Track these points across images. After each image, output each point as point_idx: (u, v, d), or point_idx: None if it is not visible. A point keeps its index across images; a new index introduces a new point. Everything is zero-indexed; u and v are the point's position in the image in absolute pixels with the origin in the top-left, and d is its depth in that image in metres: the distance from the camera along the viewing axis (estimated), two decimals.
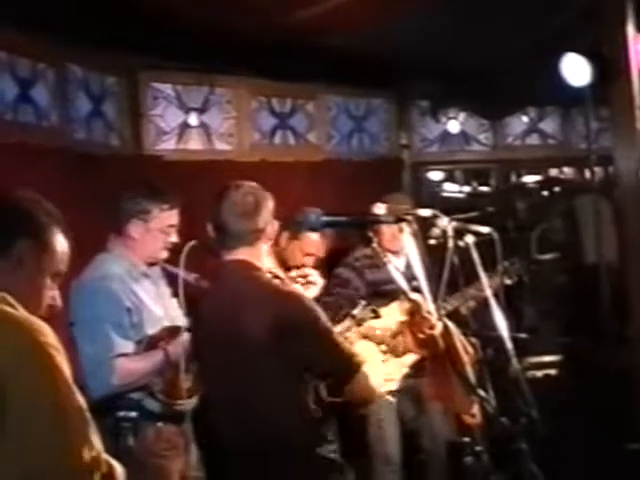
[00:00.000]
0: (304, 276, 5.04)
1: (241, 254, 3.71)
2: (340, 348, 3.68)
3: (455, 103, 8.53)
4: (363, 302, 5.22)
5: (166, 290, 4.60)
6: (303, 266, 5.55)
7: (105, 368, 4.19)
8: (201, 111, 7.09)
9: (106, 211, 5.74)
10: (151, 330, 4.34)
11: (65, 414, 2.30)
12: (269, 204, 3.76)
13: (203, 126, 7.11)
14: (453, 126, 8.65)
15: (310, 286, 4.99)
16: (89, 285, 4.37)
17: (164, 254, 4.53)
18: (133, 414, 4.25)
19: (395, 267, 4.18)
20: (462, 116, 8.66)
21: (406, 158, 8.56)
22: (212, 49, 6.39)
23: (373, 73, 7.55)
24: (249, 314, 3.57)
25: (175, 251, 4.34)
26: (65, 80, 5.98)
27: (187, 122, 7.02)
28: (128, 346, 4.27)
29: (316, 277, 5.09)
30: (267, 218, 3.74)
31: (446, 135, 8.72)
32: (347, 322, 5.06)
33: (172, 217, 4.51)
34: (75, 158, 5.86)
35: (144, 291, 4.46)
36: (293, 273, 5.08)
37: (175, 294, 4.33)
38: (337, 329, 4.83)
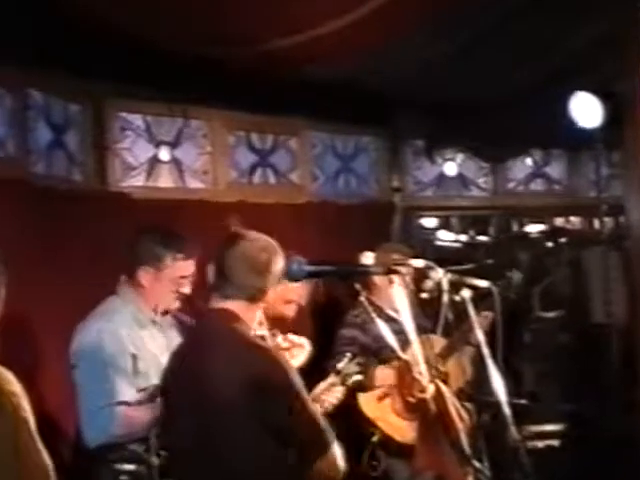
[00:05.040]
0: (291, 342, 5.13)
1: (233, 306, 3.79)
2: (313, 418, 3.71)
3: (453, 143, 8.64)
4: (349, 355, 5.28)
5: (176, 339, 4.62)
6: (283, 314, 5.56)
7: (105, 414, 4.29)
8: (173, 145, 7.05)
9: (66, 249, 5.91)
10: (157, 379, 4.34)
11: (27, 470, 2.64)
12: (279, 266, 3.87)
13: (175, 162, 7.07)
14: (450, 168, 8.70)
15: (297, 351, 5.09)
16: (94, 328, 4.49)
17: (175, 304, 4.67)
18: (132, 467, 4.30)
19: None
20: (460, 157, 8.74)
21: (398, 202, 8.57)
22: (186, 77, 6.40)
23: (363, 108, 7.63)
24: (219, 368, 3.66)
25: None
26: (24, 107, 5.90)
27: (157, 157, 6.96)
28: (131, 394, 4.36)
29: (304, 341, 5.17)
30: (274, 280, 3.86)
31: (442, 178, 8.77)
32: (332, 377, 5.13)
33: (186, 268, 4.60)
34: (33, 192, 5.81)
35: (152, 339, 4.58)
36: (279, 339, 5.10)
37: None
38: (321, 386, 5.10)
